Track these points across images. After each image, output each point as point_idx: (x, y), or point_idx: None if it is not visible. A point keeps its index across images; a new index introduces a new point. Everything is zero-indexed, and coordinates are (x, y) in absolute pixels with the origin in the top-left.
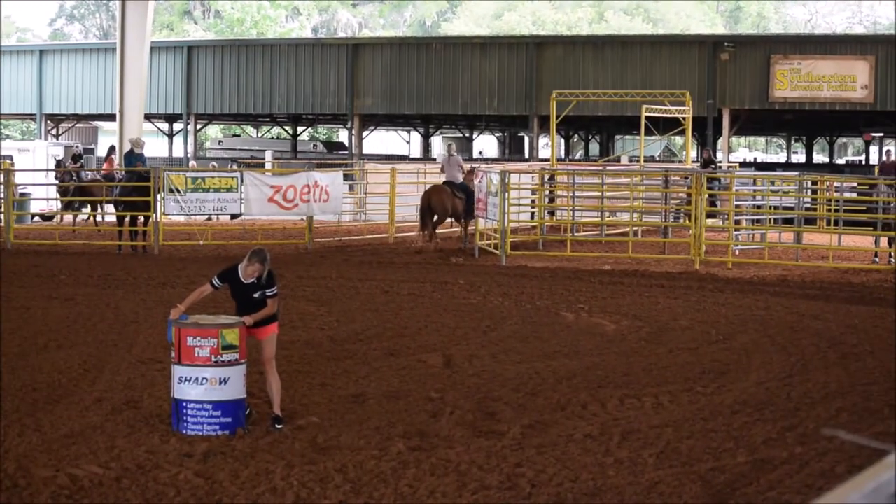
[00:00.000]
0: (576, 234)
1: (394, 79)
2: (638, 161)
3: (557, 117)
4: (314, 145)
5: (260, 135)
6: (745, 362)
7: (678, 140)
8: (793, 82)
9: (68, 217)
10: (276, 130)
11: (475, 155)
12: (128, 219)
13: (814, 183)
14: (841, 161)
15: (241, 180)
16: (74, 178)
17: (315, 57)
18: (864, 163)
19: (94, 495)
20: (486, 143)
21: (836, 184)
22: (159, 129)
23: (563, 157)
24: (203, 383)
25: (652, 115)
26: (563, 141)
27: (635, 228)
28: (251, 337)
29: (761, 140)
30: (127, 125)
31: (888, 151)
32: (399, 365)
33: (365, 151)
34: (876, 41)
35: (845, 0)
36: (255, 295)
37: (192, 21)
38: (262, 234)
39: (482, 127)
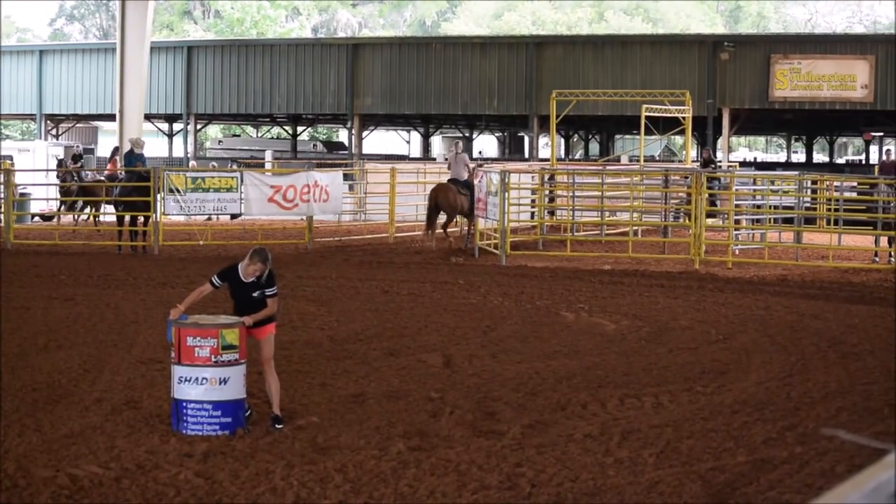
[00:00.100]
0: (576, 233)
1: (394, 79)
2: (638, 161)
3: (557, 117)
4: (314, 145)
5: (260, 135)
6: (745, 362)
7: (678, 140)
8: (793, 82)
9: (68, 217)
10: (275, 130)
11: (475, 155)
12: (128, 219)
13: (814, 182)
14: (841, 161)
15: (241, 180)
16: (75, 178)
17: (315, 57)
18: (864, 162)
19: (94, 495)
20: (485, 143)
21: (835, 183)
22: (159, 129)
23: (562, 156)
24: (203, 383)
25: (652, 114)
26: (562, 141)
27: (635, 228)
28: (250, 337)
29: (761, 140)
30: (127, 125)
31: (888, 151)
32: (399, 365)
33: (365, 151)
34: (876, 41)
35: (845, 0)
36: (255, 294)
37: (191, 21)
38: (262, 234)
39: (482, 127)
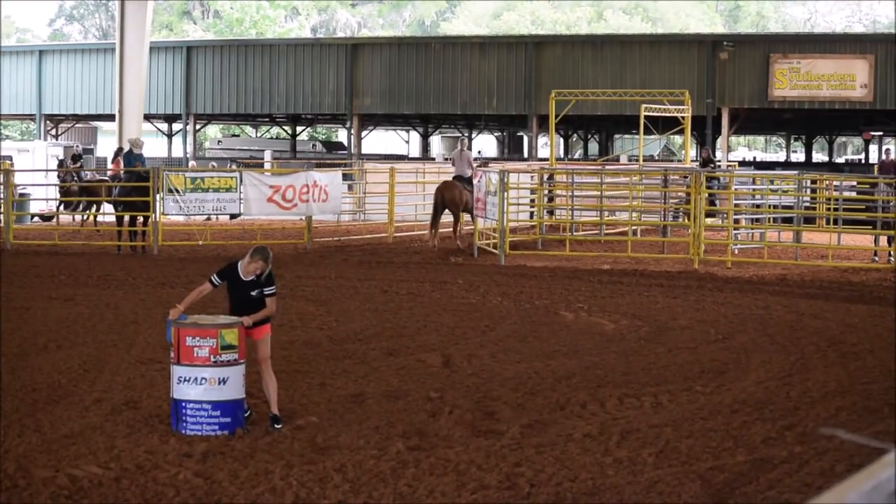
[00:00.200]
0: (575, 233)
1: (393, 78)
2: (637, 160)
3: (556, 117)
4: (313, 145)
5: (259, 135)
6: (745, 361)
7: (677, 139)
8: (792, 81)
9: (67, 217)
10: (275, 130)
11: (475, 154)
12: (127, 219)
13: (813, 182)
14: (840, 160)
15: (241, 180)
16: (75, 178)
17: (314, 57)
18: (863, 162)
19: (94, 495)
20: (485, 143)
21: (835, 183)
22: (158, 129)
23: (562, 156)
24: (202, 383)
25: (651, 114)
26: (562, 140)
27: (634, 228)
28: (247, 337)
29: (760, 139)
30: (126, 125)
31: (887, 150)
32: (398, 364)
33: (364, 151)
34: (875, 40)
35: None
36: (253, 293)
37: (191, 21)
38: (261, 234)
39: (481, 126)
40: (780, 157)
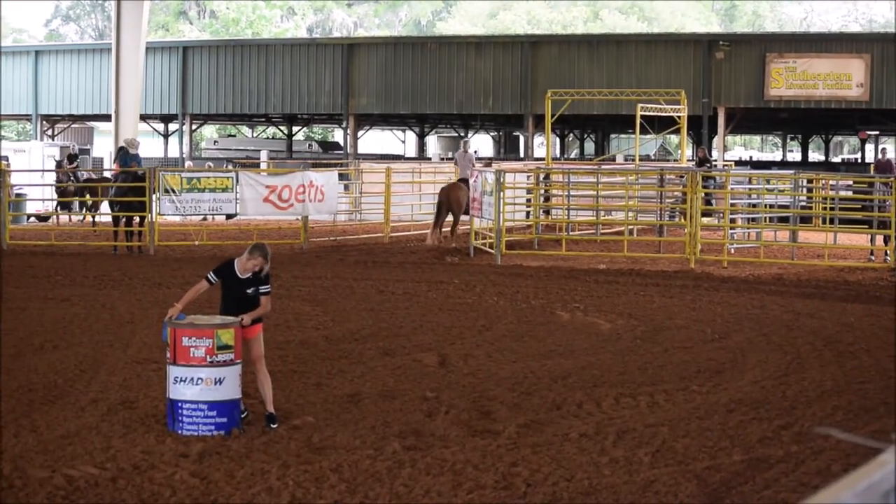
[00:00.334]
0: (571, 233)
1: (389, 78)
2: (633, 160)
3: (552, 116)
4: (309, 145)
5: (255, 135)
6: (741, 361)
7: (673, 139)
8: (788, 81)
9: (63, 217)
10: (271, 130)
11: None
12: (123, 219)
13: (809, 181)
14: (837, 159)
15: (237, 180)
16: (71, 178)
17: (310, 57)
18: (859, 161)
19: (90, 496)
20: (481, 143)
21: (831, 182)
22: (155, 129)
23: (558, 156)
24: (198, 383)
25: (647, 113)
26: (558, 140)
27: (631, 227)
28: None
29: (757, 138)
30: (122, 126)
31: (883, 149)
32: (394, 364)
33: (360, 151)
34: (871, 39)
35: None
36: (249, 291)
37: (187, 21)
38: (257, 234)
39: (477, 126)
40: (777, 156)
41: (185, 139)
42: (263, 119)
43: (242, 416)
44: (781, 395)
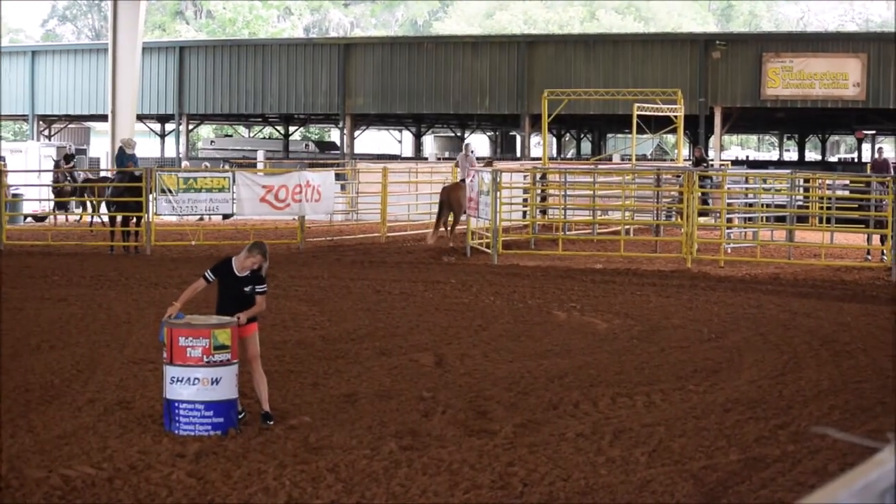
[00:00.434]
0: (567, 232)
1: (385, 78)
2: (630, 160)
3: (549, 116)
4: (306, 145)
5: (252, 135)
6: (738, 360)
7: (670, 138)
8: (785, 80)
9: (60, 217)
10: (267, 130)
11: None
12: (120, 219)
13: (806, 181)
14: (833, 159)
15: (233, 180)
16: (68, 178)
17: (307, 57)
18: (856, 160)
19: (87, 496)
20: (477, 143)
21: (828, 181)
22: (151, 129)
23: (554, 155)
24: (195, 383)
25: (644, 113)
26: (554, 140)
27: (627, 227)
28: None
29: (753, 138)
30: (119, 126)
31: (880, 149)
32: (391, 364)
33: (357, 151)
34: (868, 39)
35: None
36: (246, 289)
37: (183, 21)
38: (254, 234)
39: (474, 126)
40: (773, 155)
41: (182, 139)
42: (260, 119)
43: (240, 416)
44: (778, 394)
